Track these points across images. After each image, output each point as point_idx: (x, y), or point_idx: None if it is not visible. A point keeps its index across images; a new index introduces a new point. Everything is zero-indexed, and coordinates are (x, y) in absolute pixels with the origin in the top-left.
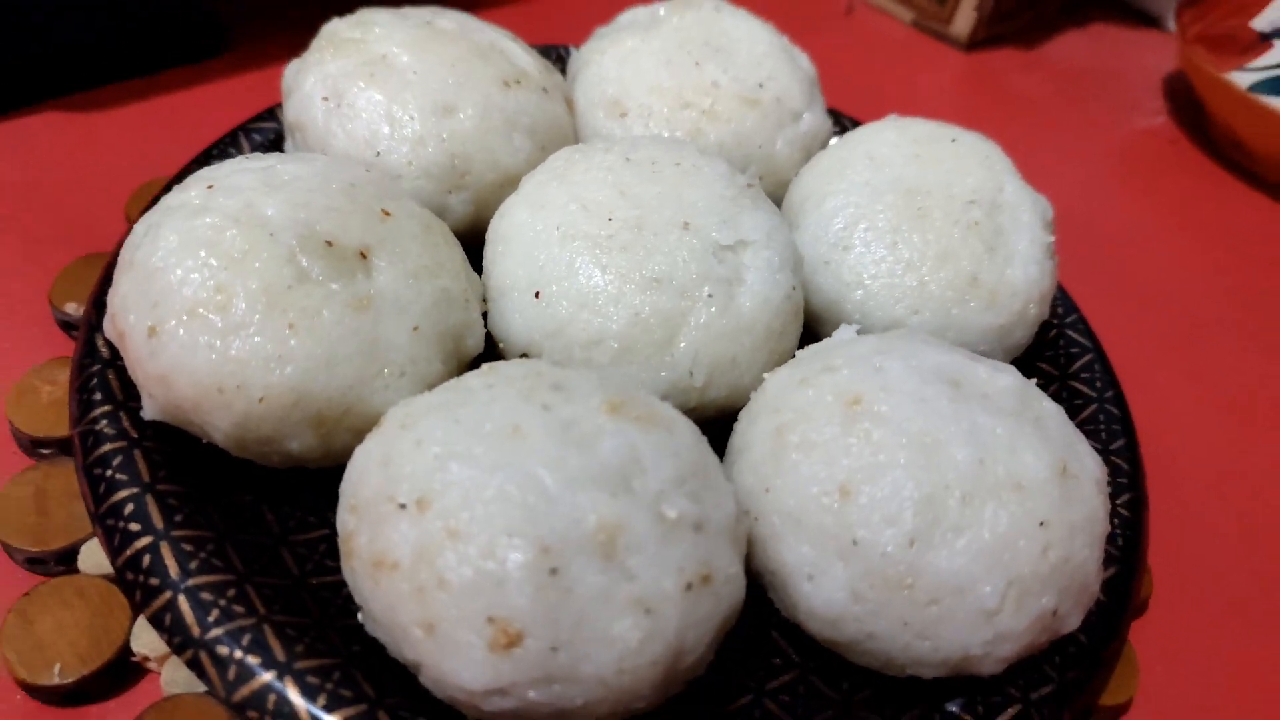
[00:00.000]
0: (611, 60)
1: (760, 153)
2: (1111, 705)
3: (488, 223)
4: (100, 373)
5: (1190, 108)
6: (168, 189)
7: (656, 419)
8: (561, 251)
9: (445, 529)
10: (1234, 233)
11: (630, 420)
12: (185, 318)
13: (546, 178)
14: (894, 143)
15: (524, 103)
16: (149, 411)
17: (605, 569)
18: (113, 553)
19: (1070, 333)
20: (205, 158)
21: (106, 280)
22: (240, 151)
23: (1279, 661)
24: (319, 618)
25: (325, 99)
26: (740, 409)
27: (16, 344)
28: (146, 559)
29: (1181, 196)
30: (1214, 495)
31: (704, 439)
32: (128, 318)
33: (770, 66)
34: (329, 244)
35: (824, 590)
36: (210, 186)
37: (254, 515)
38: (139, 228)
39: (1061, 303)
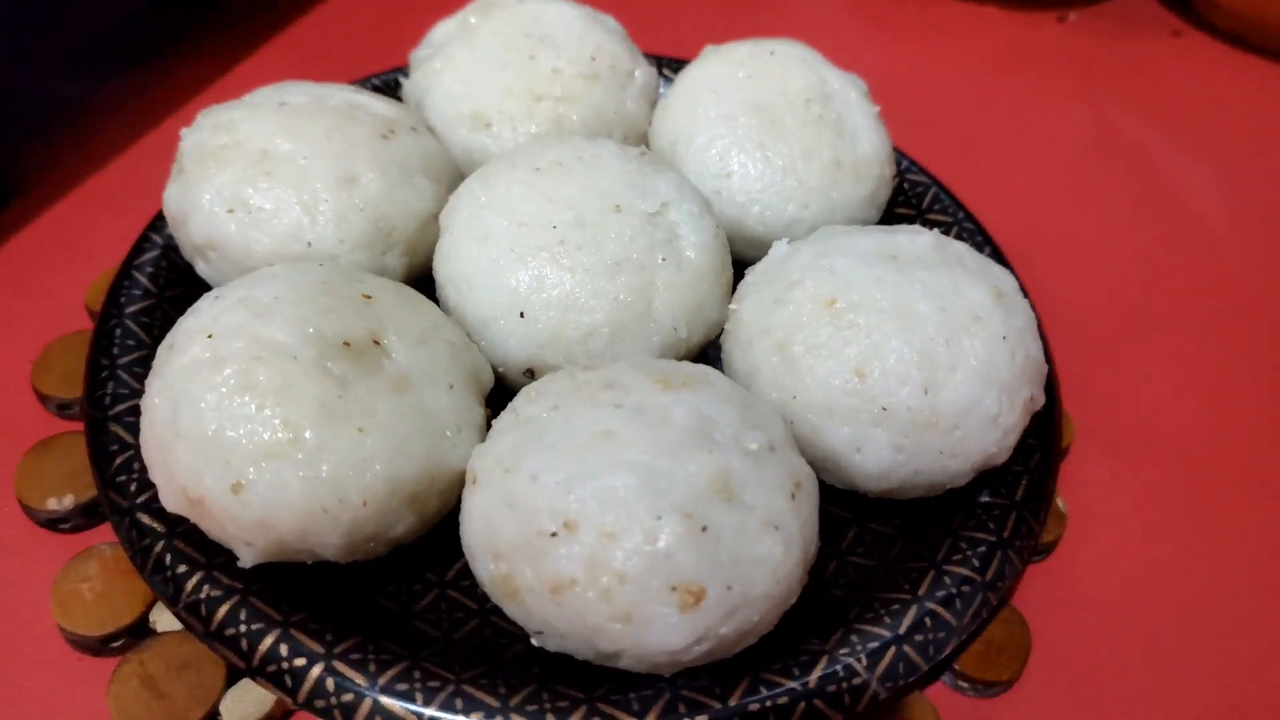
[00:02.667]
0: (452, 78)
1: (616, 117)
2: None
3: (420, 267)
4: (168, 548)
5: None
6: (102, 345)
7: (695, 379)
8: (527, 270)
9: (601, 535)
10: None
11: (679, 388)
12: (265, 463)
13: (473, 210)
14: (724, 73)
15: (406, 147)
16: (248, 559)
17: (733, 509)
18: (290, 692)
19: (910, 177)
20: (114, 304)
21: (101, 461)
22: (140, 289)
23: (1177, 486)
24: (490, 663)
25: (231, 211)
26: (713, 342)
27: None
28: (330, 682)
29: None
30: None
31: (730, 379)
32: (202, 484)
33: (592, 40)
34: (346, 344)
35: (872, 455)
36: (210, 336)
37: (371, 608)
38: (158, 400)
39: (895, 156)
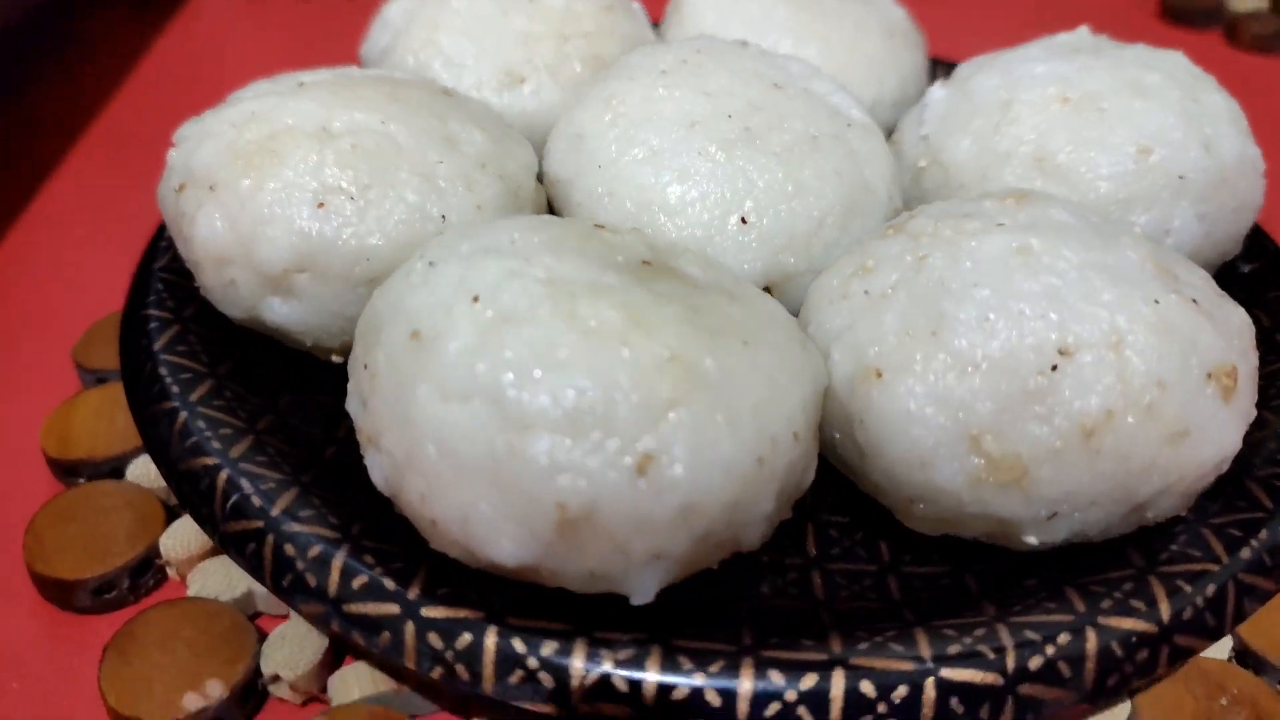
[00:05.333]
0: (451, 42)
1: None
2: None
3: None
4: (506, 633)
5: None
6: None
7: (1019, 191)
8: (728, 167)
9: (1113, 346)
10: None
11: (1025, 201)
12: (672, 415)
13: (615, 134)
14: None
15: (474, 102)
16: (650, 589)
17: (1182, 285)
18: None
19: None
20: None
21: (311, 577)
22: (205, 423)
23: None
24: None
25: (322, 205)
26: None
27: None
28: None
29: None
30: None
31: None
32: (594, 480)
33: None
34: (646, 263)
35: (1183, 232)
36: (476, 299)
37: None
38: (455, 408)
39: None
